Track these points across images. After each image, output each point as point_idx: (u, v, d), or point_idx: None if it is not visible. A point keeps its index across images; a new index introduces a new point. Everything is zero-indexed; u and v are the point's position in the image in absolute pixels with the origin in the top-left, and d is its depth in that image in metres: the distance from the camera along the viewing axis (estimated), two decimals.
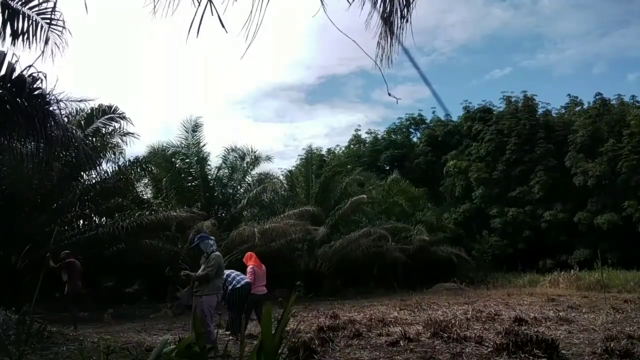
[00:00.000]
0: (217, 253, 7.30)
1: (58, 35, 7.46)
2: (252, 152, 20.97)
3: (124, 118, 14.74)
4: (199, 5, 2.57)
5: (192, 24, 2.59)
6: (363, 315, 11.04)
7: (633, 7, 55.82)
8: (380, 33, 3.31)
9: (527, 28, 68.03)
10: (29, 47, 7.31)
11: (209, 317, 6.85)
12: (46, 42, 7.35)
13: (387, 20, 3.27)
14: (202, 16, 2.58)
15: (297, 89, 75.08)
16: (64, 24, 7.39)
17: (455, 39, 69.61)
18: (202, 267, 7.15)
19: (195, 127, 19.71)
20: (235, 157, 20.89)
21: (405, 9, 3.23)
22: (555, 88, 64.50)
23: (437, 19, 64.58)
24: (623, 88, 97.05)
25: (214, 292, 7.09)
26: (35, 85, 7.54)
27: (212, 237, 7.76)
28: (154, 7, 2.85)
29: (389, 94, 3.45)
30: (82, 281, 11.07)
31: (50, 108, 8.04)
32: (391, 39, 3.30)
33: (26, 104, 7.52)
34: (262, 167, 21.46)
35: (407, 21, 3.22)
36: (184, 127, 19.76)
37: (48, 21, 7.36)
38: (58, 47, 7.48)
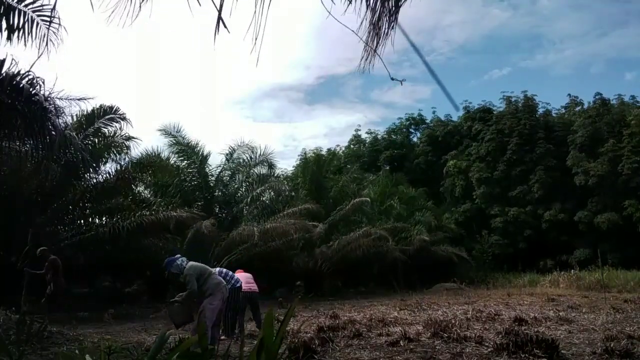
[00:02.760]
0: (189, 265, 7.17)
1: (54, 32, 7.41)
2: (261, 150, 20.76)
3: (124, 119, 14.82)
4: (219, 11, 2.54)
5: (217, 26, 2.56)
6: (363, 315, 11.03)
7: (631, 7, 55.94)
8: (368, 34, 3.34)
9: (525, 28, 68.08)
10: (25, 45, 7.27)
11: (209, 318, 6.84)
12: (43, 40, 7.27)
13: (375, 26, 3.30)
14: (218, 25, 2.55)
15: (296, 89, 75.18)
16: (59, 21, 7.35)
17: (454, 39, 69.60)
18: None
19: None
20: (242, 154, 20.68)
21: (394, 16, 3.25)
22: (553, 88, 64.66)
23: (436, 19, 64.66)
24: (621, 88, 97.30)
25: (216, 291, 7.08)
26: (33, 91, 7.48)
27: (177, 255, 7.57)
28: (110, 16, 2.82)
29: (392, 79, 3.40)
30: (64, 278, 10.82)
31: (51, 110, 7.97)
32: (377, 42, 3.33)
33: (25, 108, 7.47)
34: (263, 167, 21.39)
35: (393, 28, 3.25)
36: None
37: (43, 18, 7.29)
38: (53, 44, 7.44)
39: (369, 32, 3.30)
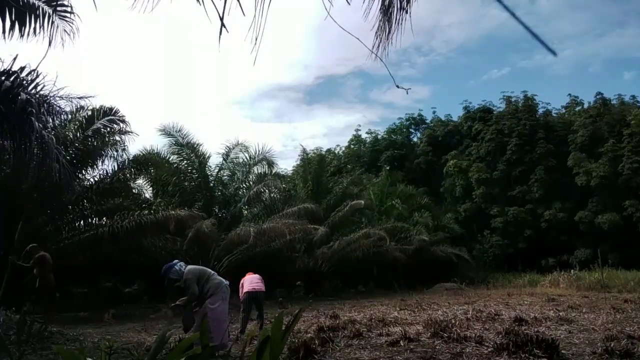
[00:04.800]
0: (188, 268, 7.08)
1: (69, 23, 7.06)
2: (258, 149, 20.61)
3: (123, 121, 15.01)
4: (221, 18, 2.51)
5: (221, 29, 2.54)
6: (363, 315, 11.03)
7: (630, 7, 56.05)
8: (379, 24, 3.30)
9: (524, 28, 67.98)
10: (35, 35, 6.86)
11: (210, 318, 6.82)
12: (56, 31, 6.89)
13: (386, 11, 3.27)
14: (220, 32, 2.54)
15: (295, 89, 75.36)
16: (71, 9, 6.98)
17: (453, 39, 69.77)
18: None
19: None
20: (239, 153, 20.61)
21: (405, 1, 3.21)
22: (552, 88, 64.87)
23: (435, 19, 64.71)
24: (620, 88, 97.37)
25: (217, 291, 7.06)
26: (14, 87, 7.11)
27: (175, 260, 7.39)
28: (133, 3, 2.80)
29: (397, 86, 3.40)
30: (54, 274, 10.60)
31: (31, 110, 7.56)
32: (389, 30, 3.29)
33: (4, 106, 7.13)
34: (262, 167, 21.29)
35: (406, 12, 3.21)
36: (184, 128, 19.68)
37: (54, 8, 6.97)
38: (68, 34, 7.06)
39: (379, 21, 3.26)
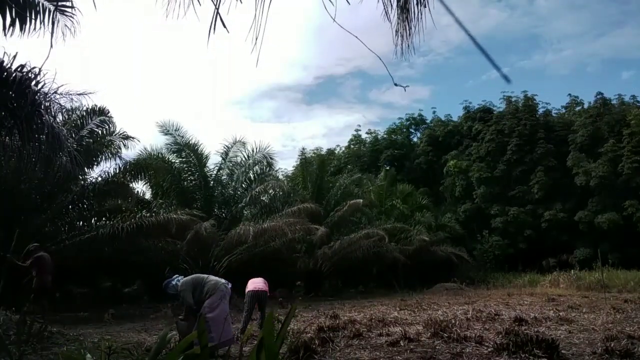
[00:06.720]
0: (182, 281, 7.16)
1: (69, 17, 6.97)
2: (257, 147, 20.47)
3: (111, 121, 15.44)
4: (216, 7, 2.52)
5: (212, 26, 2.54)
6: (363, 315, 11.02)
7: (628, 7, 56.09)
8: (398, 22, 3.27)
9: (523, 29, 68.13)
10: (34, 30, 6.74)
11: (210, 318, 6.82)
12: (57, 26, 6.78)
13: (404, 8, 3.24)
14: (214, 22, 2.54)
15: (294, 89, 75.41)
16: (72, 3, 6.89)
17: (452, 40, 69.64)
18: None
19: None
20: (238, 153, 20.54)
21: None
22: (551, 88, 65.00)
23: (433, 19, 64.69)
24: (618, 87, 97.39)
25: (215, 290, 7.06)
26: (23, 82, 7.06)
27: (175, 275, 7.49)
28: (167, 9, 2.82)
29: (395, 84, 3.36)
30: (52, 275, 10.48)
31: (41, 102, 7.53)
32: (410, 27, 3.25)
33: (13, 101, 7.12)
34: (261, 166, 21.21)
35: (424, 6, 3.18)
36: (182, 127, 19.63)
37: (55, 4, 6.87)
38: (69, 30, 6.97)
39: (398, 19, 3.22)
